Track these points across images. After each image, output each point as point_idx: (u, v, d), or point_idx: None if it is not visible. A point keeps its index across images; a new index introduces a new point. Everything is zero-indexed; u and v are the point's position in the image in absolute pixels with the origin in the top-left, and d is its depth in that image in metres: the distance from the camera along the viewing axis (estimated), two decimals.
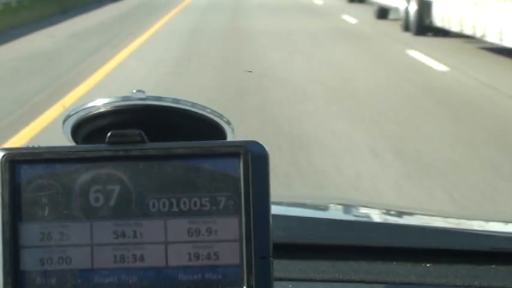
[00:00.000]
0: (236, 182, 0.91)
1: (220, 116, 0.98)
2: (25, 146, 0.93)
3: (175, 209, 0.90)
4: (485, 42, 14.21)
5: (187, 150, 0.92)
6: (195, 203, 0.91)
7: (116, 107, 0.96)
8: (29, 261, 0.89)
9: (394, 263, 1.34)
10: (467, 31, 14.65)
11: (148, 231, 0.90)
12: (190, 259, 0.90)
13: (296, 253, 1.24)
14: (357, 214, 1.92)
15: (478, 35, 14.06)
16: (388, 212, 1.92)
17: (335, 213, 1.95)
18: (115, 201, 0.90)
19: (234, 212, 0.90)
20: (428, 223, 1.82)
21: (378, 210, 2.01)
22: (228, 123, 0.99)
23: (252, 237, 0.90)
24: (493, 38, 13.34)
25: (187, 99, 0.97)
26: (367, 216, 1.93)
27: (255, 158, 0.91)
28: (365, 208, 2.04)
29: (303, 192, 5.99)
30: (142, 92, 0.97)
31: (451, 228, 1.75)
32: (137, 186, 0.91)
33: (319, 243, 1.37)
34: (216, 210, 0.91)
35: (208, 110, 0.98)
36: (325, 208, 2.03)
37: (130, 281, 0.90)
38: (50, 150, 0.92)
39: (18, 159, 0.90)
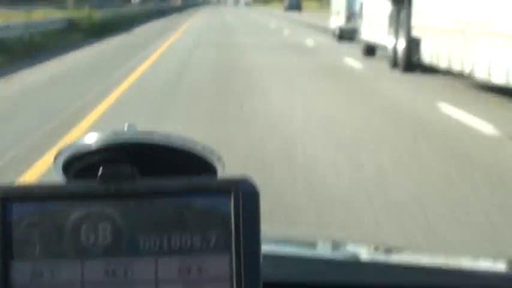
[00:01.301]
0: (227, 220, 0.91)
1: (212, 152, 0.96)
2: (16, 183, 0.92)
3: (166, 247, 0.90)
4: (474, 77, 14.26)
5: (178, 187, 0.91)
6: (185, 241, 0.90)
7: (106, 143, 0.93)
8: None
9: None
10: (457, 67, 14.68)
11: (139, 269, 0.90)
12: None
13: None
14: (345, 252, 1.93)
15: (466, 70, 14.08)
16: (376, 250, 1.92)
17: (323, 251, 1.96)
18: (106, 239, 0.90)
19: (224, 250, 0.90)
20: (417, 261, 1.80)
21: (366, 247, 2.00)
22: (219, 159, 0.97)
23: (242, 275, 0.89)
24: (481, 75, 13.35)
25: (179, 135, 0.96)
26: (356, 254, 1.90)
27: (246, 196, 0.91)
28: (353, 245, 2.02)
29: (291, 230, 5.88)
30: (134, 127, 0.96)
31: (440, 266, 1.73)
32: (128, 224, 0.90)
33: (308, 282, 1.36)
34: (207, 249, 0.90)
35: (199, 146, 0.96)
36: (313, 246, 2.03)
37: None
38: (42, 187, 0.91)
39: (9, 196, 0.89)
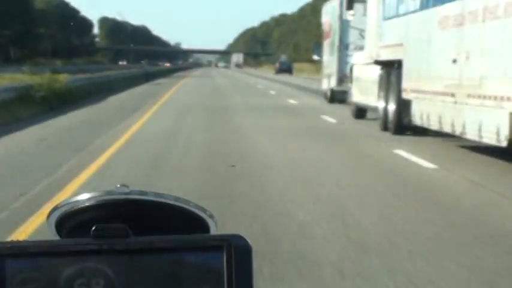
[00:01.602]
0: (219, 275, 0.90)
1: (203, 210, 0.98)
2: (10, 240, 0.91)
3: None
4: (465, 140, 14.39)
5: (170, 244, 0.91)
6: None
7: (99, 201, 0.95)
8: None
9: None
10: (447, 129, 14.81)
11: None
12: None
13: None
14: None
15: (457, 132, 14.21)
16: None
17: None
18: None
19: None
20: None
21: None
22: (211, 216, 0.98)
23: None
24: (472, 136, 13.47)
25: (171, 194, 0.98)
26: None
27: (238, 251, 0.91)
28: None
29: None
30: (126, 186, 0.98)
31: None
32: (121, 280, 0.90)
33: None
34: None
35: (191, 204, 0.98)
36: None
37: None
38: (35, 244, 0.90)
39: (3, 253, 0.89)
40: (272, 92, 46.93)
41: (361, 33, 25.94)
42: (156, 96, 38.63)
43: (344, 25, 29.72)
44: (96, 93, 38.24)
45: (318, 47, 38.61)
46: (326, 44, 34.13)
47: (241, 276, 0.90)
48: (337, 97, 30.28)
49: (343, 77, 29.26)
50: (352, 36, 28.75)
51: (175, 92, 47.32)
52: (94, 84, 44.41)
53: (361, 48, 25.73)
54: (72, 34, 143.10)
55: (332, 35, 31.76)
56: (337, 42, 30.57)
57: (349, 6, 26.69)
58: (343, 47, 30.00)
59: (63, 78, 36.98)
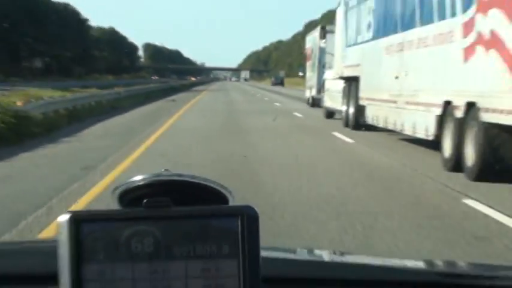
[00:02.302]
0: (236, 235, 0.92)
1: (224, 188, 0.99)
2: (85, 210, 0.94)
3: (192, 254, 0.92)
4: (403, 134, 14.76)
5: (200, 212, 0.93)
6: (206, 249, 0.92)
7: (149, 181, 0.97)
8: None
9: None
10: (391, 126, 15.18)
11: (174, 270, 0.92)
12: None
13: (277, 285, 1.22)
14: (317, 254, 1.87)
15: (398, 129, 14.61)
16: (342, 254, 1.85)
17: (302, 254, 1.89)
18: (149, 248, 0.92)
19: (234, 256, 0.92)
20: (370, 261, 1.75)
21: (327, 252, 1.93)
22: (230, 192, 0.99)
23: (246, 274, 0.92)
24: (408, 132, 13.85)
25: (202, 176, 1.00)
26: (323, 256, 1.84)
27: (249, 218, 0.92)
28: (321, 250, 1.97)
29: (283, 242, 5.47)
30: (169, 170, 1.01)
31: (387, 265, 1.64)
32: (165, 238, 0.92)
33: (292, 277, 1.36)
34: (221, 255, 0.92)
35: (216, 183, 1.00)
36: (295, 252, 1.97)
37: None
38: (103, 212, 0.94)
39: (80, 219, 0.91)
40: (266, 99, 49.42)
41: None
42: (200, 91, 52.11)
43: (321, 51, 30.50)
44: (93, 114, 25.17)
45: (302, 67, 42.21)
46: (308, 64, 35.41)
47: (251, 236, 0.92)
48: (317, 103, 31.18)
49: (321, 88, 29.91)
50: (327, 59, 29.08)
51: (208, 91, 66.69)
52: (134, 96, 40.21)
53: (332, 67, 26.36)
54: (121, 55, 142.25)
55: (313, 58, 33.14)
56: (316, 63, 31.67)
57: (323, 37, 27.38)
58: (321, 67, 30.63)
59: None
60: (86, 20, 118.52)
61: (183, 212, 0.93)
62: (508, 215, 7.76)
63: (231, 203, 0.99)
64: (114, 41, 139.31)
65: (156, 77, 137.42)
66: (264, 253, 0.95)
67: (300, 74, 44.51)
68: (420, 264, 1.60)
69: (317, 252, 1.93)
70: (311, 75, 34.02)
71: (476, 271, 1.51)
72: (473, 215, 7.89)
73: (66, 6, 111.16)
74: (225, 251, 0.92)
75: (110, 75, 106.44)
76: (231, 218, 0.93)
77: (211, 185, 0.99)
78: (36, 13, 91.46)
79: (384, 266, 1.55)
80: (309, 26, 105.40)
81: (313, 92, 32.26)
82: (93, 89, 37.27)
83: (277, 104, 38.01)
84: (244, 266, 0.92)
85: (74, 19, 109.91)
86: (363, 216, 7.45)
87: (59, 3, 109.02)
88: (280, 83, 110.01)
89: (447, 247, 6.38)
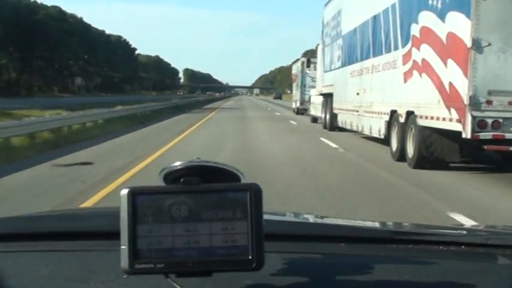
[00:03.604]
0: (245, 204, 0.89)
1: (238, 170, 0.95)
2: (140, 186, 0.90)
3: (215, 217, 0.89)
4: (363, 134, 14.16)
5: (221, 187, 0.90)
6: (224, 214, 0.89)
7: (185, 166, 0.93)
8: (141, 244, 0.88)
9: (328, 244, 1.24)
10: (355, 129, 14.65)
11: (202, 229, 0.89)
12: (222, 242, 0.89)
13: (276, 240, 1.16)
14: (306, 218, 1.70)
15: (359, 130, 14.09)
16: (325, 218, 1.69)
17: (292, 217, 1.81)
18: (185, 213, 0.89)
19: (244, 219, 0.89)
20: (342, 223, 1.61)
21: (312, 216, 1.72)
22: (242, 174, 0.95)
23: (253, 231, 0.89)
24: (367, 132, 13.34)
25: (222, 162, 0.95)
26: (307, 218, 1.69)
27: (255, 192, 0.89)
28: (308, 214, 1.77)
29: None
30: (199, 158, 0.96)
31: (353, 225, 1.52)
32: (196, 206, 0.89)
33: (288, 233, 1.27)
34: (236, 218, 0.89)
35: (232, 167, 0.95)
36: (292, 215, 1.90)
37: (193, 254, 0.88)
38: (152, 187, 0.91)
39: (136, 192, 0.89)
40: (268, 108, 47.77)
41: (312, 79, 26.92)
42: (227, 100, 45.02)
43: (302, 75, 30.33)
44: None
45: (290, 87, 44.17)
46: (294, 85, 35.36)
47: (256, 205, 0.89)
48: (300, 111, 31.27)
49: (303, 101, 30.28)
50: (307, 81, 29.49)
51: (233, 101, 55.95)
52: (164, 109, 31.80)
53: (312, 87, 27.09)
54: (165, 76, 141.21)
55: (297, 80, 32.67)
56: (299, 84, 31.24)
57: (308, 65, 26.69)
58: (302, 86, 30.46)
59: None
60: (134, 49, 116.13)
61: (208, 187, 0.90)
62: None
63: (242, 181, 0.94)
64: (159, 66, 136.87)
65: (181, 93, 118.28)
66: (265, 216, 0.91)
67: (288, 91, 46.65)
68: (376, 225, 1.51)
69: (303, 215, 1.81)
70: (296, 93, 33.63)
71: (419, 230, 1.42)
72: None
73: (119, 38, 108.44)
74: (238, 216, 0.89)
75: (154, 91, 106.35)
76: (242, 192, 0.90)
77: (229, 168, 0.94)
78: (89, 41, 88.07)
79: (350, 225, 1.48)
80: (306, 54, 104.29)
81: (298, 104, 32.37)
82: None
83: (272, 106, 40.98)
84: (251, 226, 0.88)
85: (124, 48, 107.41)
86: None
87: (113, 35, 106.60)
88: (279, 97, 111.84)
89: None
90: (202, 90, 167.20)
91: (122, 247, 0.88)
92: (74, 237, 1.24)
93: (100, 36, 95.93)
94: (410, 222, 1.57)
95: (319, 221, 1.59)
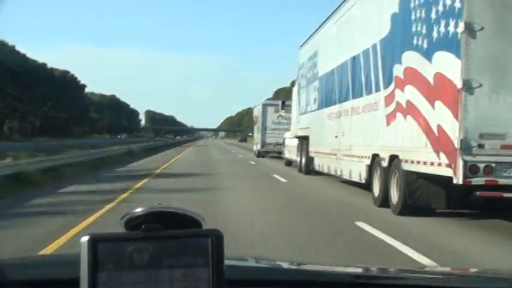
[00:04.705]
0: (207, 250, 0.90)
1: (199, 215, 0.96)
2: (100, 232, 0.91)
3: (176, 264, 0.90)
4: (342, 178, 13.75)
5: (183, 233, 0.91)
6: (186, 260, 0.90)
7: (147, 212, 0.94)
8: None
9: None
10: (333, 173, 14.26)
11: (163, 276, 0.89)
12: None
13: (238, 286, 1.15)
14: (267, 263, 1.72)
15: (338, 174, 13.71)
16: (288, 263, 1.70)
17: (253, 262, 1.80)
18: (145, 260, 0.90)
19: (206, 265, 0.90)
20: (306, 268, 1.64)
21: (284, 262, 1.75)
22: (203, 219, 0.96)
23: (215, 277, 0.90)
24: (346, 176, 12.95)
25: (183, 208, 0.95)
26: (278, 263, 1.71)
27: (216, 238, 0.91)
28: (272, 261, 1.81)
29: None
30: (160, 204, 0.97)
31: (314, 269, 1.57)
32: (157, 252, 0.90)
33: (249, 279, 1.28)
34: (197, 264, 0.90)
35: (194, 213, 0.95)
36: (252, 261, 1.87)
37: None
38: (113, 234, 0.92)
39: (97, 239, 0.90)
40: (233, 151, 47.19)
41: (272, 121, 29.66)
42: (176, 156, 33.32)
43: (264, 118, 31.27)
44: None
45: (252, 129, 45.55)
46: (255, 127, 36.19)
47: (218, 250, 0.90)
48: (261, 154, 32.22)
49: (264, 144, 31.34)
50: (269, 123, 30.81)
51: (191, 151, 42.56)
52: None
53: (272, 129, 30.15)
54: (122, 118, 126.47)
55: (258, 123, 33.53)
56: (260, 127, 31.99)
57: (282, 108, 26.46)
58: (263, 129, 31.27)
59: None
60: (84, 86, 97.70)
61: (170, 233, 0.92)
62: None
63: (204, 227, 0.96)
64: (115, 106, 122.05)
65: (124, 135, 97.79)
66: (227, 262, 0.94)
67: (250, 134, 47.13)
68: (342, 269, 1.54)
69: (264, 261, 1.83)
70: (257, 135, 33.77)
71: (386, 274, 1.45)
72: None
73: (65, 73, 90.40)
74: (199, 262, 0.91)
75: (108, 134, 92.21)
76: (203, 238, 0.92)
77: (190, 214, 0.96)
78: (22, 76, 70.12)
79: (311, 270, 1.51)
80: (278, 93, 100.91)
81: (259, 147, 32.64)
82: None
83: (235, 149, 39.22)
84: (213, 272, 0.91)
85: (71, 84, 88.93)
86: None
87: (57, 70, 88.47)
88: (244, 140, 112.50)
89: None
90: (166, 133, 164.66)
91: None
92: (35, 286, 1.24)
93: (39, 69, 79.90)
94: (378, 266, 1.53)
95: (280, 266, 1.58)
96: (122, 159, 26.26)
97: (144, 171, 18.22)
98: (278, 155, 28.62)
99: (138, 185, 13.47)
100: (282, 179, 16.57)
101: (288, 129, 24.75)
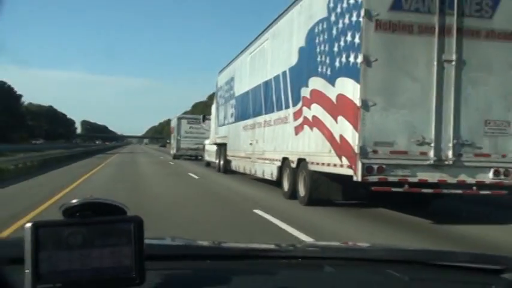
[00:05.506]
0: (130, 233, 0.85)
1: (124, 205, 0.88)
2: (42, 220, 0.84)
3: (105, 244, 0.83)
4: (255, 176, 13.20)
5: (110, 219, 0.85)
6: (113, 241, 0.84)
7: (81, 202, 0.86)
8: (43, 268, 0.81)
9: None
10: (248, 172, 13.76)
11: (94, 254, 0.83)
12: (111, 264, 0.83)
13: (155, 260, 1.05)
14: (181, 241, 1.52)
15: (252, 173, 13.21)
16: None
17: (169, 241, 1.55)
18: (80, 241, 0.82)
19: (129, 244, 0.84)
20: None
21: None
22: (127, 208, 0.88)
23: (137, 254, 0.84)
24: (259, 175, 12.51)
25: (111, 199, 0.88)
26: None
27: (137, 223, 0.85)
28: (185, 239, 1.53)
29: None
30: (92, 196, 0.89)
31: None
32: (89, 235, 0.83)
33: (164, 255, 1.18)
34: (122, 243, 0.84)
35: (119, 202, 0.88)
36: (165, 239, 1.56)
37: (86, 274, 0.82)
38: (52, 221, 0.84)
39: (39, 225, 0.82)
40: (155, 154, 44.64)
41: (185, 131, 29.23)
42: (108, 157, 30.64)
43: (178, 128, 30.94)
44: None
45: (169, 137, 44.97)
46: (172, 136, 35.84)
47: (138, 233, 0.84)
48: (176, 157, 31.61)
49: (178, 148, 31.02)
50: (182, 132, 30.49)
51: (115, 158, 30.33)
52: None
53: (185, 137, 29.54)
54: (58, 126, 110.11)
55: (174, 132, 33.10)
56: (176, 135, 31.68)
57: (203, 121, 25.45)
58: (178, 136, 30.97)
59: None
60: (20, 96, 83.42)
61: (99, 220, 0.85)
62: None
63: (128, 214, 0.88)
64: (52, 116, 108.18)
65: (41, 141, 77.24)
66: (146, 241, 0.87)
67: (168, 141, 47.50)
68: (238, 245, 1.40)
69: (179, 239, 1.56)
70: (173, 142, 33.04)
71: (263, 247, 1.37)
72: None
73: (2, 84, 77.15)
74: (123, 242, 0.85)
75: (44, 140, 78.16)
76: (127, 223, 0.86)
77: (116, 203, 0.88)
78: None
79: (215, 246, 1.38)
80: (195, 106, 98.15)
81: (175, 151, 32.42)
82: None
83: (157, 153, 38.08)
84: (135, 249, 0.84)
85: (6, 94, 75.73)
86: None
87: None
88: (164, 146, 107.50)
89: None
90: (96, 139, 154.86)
91: (26, 271, 0.83)
92: None
93: None
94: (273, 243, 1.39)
95: (190, 243, 1.46)
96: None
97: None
98: (189, 157, 29.56)
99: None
100: (196, 176, 15.91)
101: (196, 137, 26.83)
